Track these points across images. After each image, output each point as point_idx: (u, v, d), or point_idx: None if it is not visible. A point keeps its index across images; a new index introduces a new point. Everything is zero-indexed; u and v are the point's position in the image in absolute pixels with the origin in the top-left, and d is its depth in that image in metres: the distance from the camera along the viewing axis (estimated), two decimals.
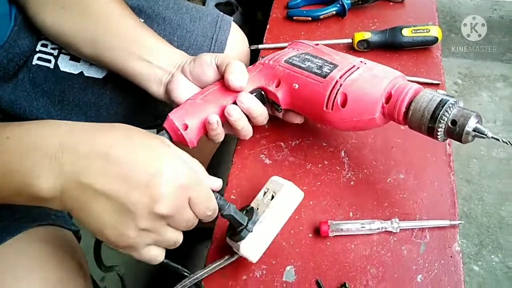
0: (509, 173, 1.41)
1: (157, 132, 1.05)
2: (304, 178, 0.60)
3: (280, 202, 0.50)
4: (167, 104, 0.63)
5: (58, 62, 0.70)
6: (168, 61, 0.61)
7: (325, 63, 0.54)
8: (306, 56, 0.57)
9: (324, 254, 0.53)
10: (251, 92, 0.58)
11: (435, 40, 0.71)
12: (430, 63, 0.72)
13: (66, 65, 0.70)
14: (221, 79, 0.57)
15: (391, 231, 0.54)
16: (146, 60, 0.61)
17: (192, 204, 0.42)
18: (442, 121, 0.45)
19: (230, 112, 0.55)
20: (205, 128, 0.56)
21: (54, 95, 0.71)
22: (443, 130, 0.46)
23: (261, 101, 0.57)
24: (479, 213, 1.32)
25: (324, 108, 0.52)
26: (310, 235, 0.55)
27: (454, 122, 0.45)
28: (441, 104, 0.46)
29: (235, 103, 0.56)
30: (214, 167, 1.11)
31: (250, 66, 0.61)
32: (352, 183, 0.59)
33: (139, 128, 0.43)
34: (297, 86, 0.55)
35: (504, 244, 1.26)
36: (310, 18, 0.80)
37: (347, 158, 0.62)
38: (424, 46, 0.73)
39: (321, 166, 0.61)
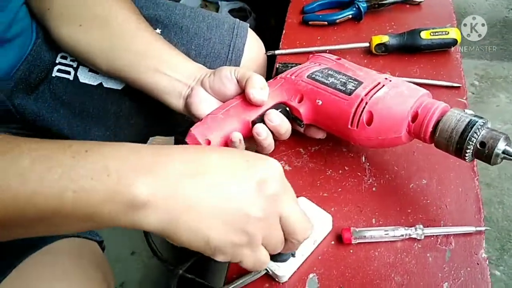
0: None
1: (175, 140, 1.06)
2: (325, 185, 0.60)
3: (318, 233, 0.53)
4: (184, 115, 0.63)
5: (78, 74, 0.71)
6: (186, 74, 0.61)
7: (349, 80, 0.54)
8: (329, 72, 0.56)
9: (347, 261, 0.53)
10: (274, 107, 0.57)
11: (454, 42, 0.71)
12: (449, 65, 0.71)
13: (86, 77, 0.71)
14: (242, 93, 0.57)
15: (415, 238, 0.53)
16: (164, 74, 0.61)
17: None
18: (471, 142, 0.46)
19: (259, 132, 0.55)
20: (227, 144, 0.55)
21: (74, 106, 0.72)
22: (471, 151, 0.46)
23: (286, 116, 0.57)
24: (500, 217, 1.29)
25: (349, 126, 0.52)
26: (333, 242, 0.54)
27: (483, 144, 0.45)
28: (470, 125, 0.46)
29: (259, 118, 0.56)
30: None
31: (271, 80, 0.61)
32: (374, 189, 0.59)
33: None
34: (320, 103, 0.55)
35: None
36: (326, 23, 0.80)
37: (368, 164, 0.61)
38: (443, 48, 0.72)
39: (341, 172, 0.61)
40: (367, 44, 0.73)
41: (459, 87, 0.68)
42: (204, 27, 0.75)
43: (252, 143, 0.57)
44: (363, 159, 0.62)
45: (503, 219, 1.29)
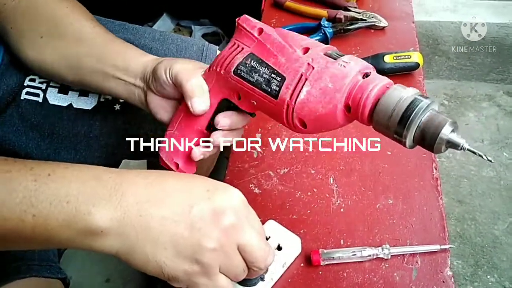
0: (500, 191, 1.42)
1: (148, 163, 1.05)
2: (294, 207, 0.60)
3: (288, 256, 0.54)
4: (156, 131, 0.62)
5: (47, 96, 0.70)
6: (137, 75, 0.58)
7: (272, 74, 0.47)
8: (252, 64, 0.48)
9: (316, 283, 0.53)
10: (219, 106, 0.52)
11: (417, 65, 0.73)
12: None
13: (55, 98, 0.71)
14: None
15: (382, 258, 0.54)
16: (119, 79, 0.59)
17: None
18: (411, 126, 0.39)
19: (218, 142, 0.51)
20: (193, 161, 0.55)
21: (43, 129, 0.71)
22: (412, 136, 0.40)
23: (234, 109, 0.52)
24: (473, 233, 1.32)
25: (287, 127, 0.48)
26: (302, 264, 0.55)
27: (425, 128, 0.39)
28: (413, 105, 0.39)
29: (211, 123, 0.52)
30: None
31: (207, 72, 0.52)
32: (342, 210, 0.59)
33: None
34: (255, 103, 0.49)
35: (499, 263, 1.25)
36: None
37: (336, 185, 0.62)
38: (406, 71, 0.74)
39: (310, 194, 0.62)
40: None
41: None
42: (173, 49, 0.76)
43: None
44: (331, 180, 0.63)
45: (475, 235, 1.32)
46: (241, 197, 0.42)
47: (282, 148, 0.67)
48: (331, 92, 0.42)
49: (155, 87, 0.55)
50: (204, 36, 1.45)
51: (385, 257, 0.54)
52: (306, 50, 0.45)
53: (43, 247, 0.40)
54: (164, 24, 1.47)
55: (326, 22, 0.83)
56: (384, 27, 0.85)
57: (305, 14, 0.90)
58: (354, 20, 0.86)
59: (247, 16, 0.51)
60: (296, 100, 0.44)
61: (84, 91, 0.72)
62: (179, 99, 0.54)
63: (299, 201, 0.61)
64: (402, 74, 0.75)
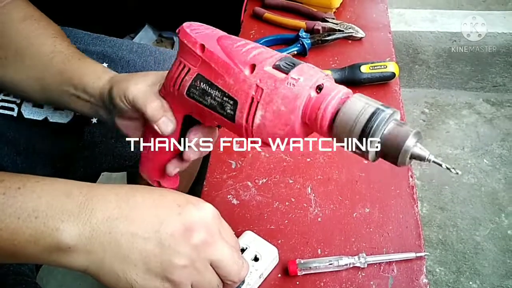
0: (481, 198, 1.43)
1: (128, 174, 1.04)
2: (272, 217, 0.60)
3: (265, 267, 0.54)
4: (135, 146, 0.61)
5: (22, 110, 0.69)
6: (97, 97, 0.56)
7: (224, 98, 0.44)
8: (202, 86, 0.45)
9: None
10: (184, 120, 0.50)
11: (393, 75, 0.74)
12: (389, 97, 0.74)
13: (30, 112, 0.70)
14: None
15: (359, 267, 0.54)
16: (83, 99, 0.57)
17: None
18: (374, 140, 0.37)
19: (190, 158, 0.51)
20: (172, 178, 0.55)
21: (18, 144, 0.70)
22: (374, 149, 0.38)
23: (199, 123, 0.50)
24: (455, 239, 1.33)
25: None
26: (279, 275, 0.55)
27: (388, 141, 0.37)
28: (374, 118, 0.37)
29: (178, 141, 0.51)
30: None
31: (163, 90, 0.49)
32: (319, 219, 0.60)
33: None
34: (216, 123, 0.48)
35: (481, 269, 1.26)
36: None
37: (313, 195, 0.62)
38: (382, 81, 0.75)
39: (288, 203, 0.62)
40: None
41: None
42: (151, 61, 0.76)
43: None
44: (309, 190, 0.63)
45: (457, 241, 1.33)
46: (213, 212, 0.42)
47: (261, 157, 0.67)
48: (285, 114, 0.40)
49: (116, 112, 0.53)
50: None
51: (362, 266, 0.54)
52: (252, 67, 0.42)
53: (9, 260, 0.39)
54: (146, 35, 1.47)
55: (304, 33, 0.84)
56: (362, 37, 0.87)
57: (283, 26, 0.91)
58: (332, 31, 0.87)
59: (187, 28, 0.47)
60: (252, 124, 0.42)
61: None
62: (140, 120, 0.53)
63: (277, 211, 0.61)
64: (378, 84, 0.76)
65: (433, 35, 1.76)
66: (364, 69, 0.74)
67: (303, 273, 0.54)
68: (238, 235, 0.56)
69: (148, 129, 0.52)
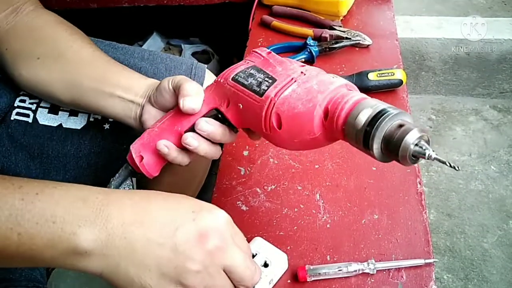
0: (488, 204, 1.43)
1: (137, 180, 1.05)
2: (281, 223, 0.61)
3: (274, 273, 0.54)
4: None
5: (37, 116, 0.71)
6: (139, 92, 0.60)
7: (265, 78, 0.48)
8: (251, 71, 0.50)
9: None
10: (208, 114, 0.53)
11: (400, 82, 0.75)
12: (397, 104, 0.74)
13: (45, 119, 0.71)
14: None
15: (368, 273, 0.54)
16: (119, 97, 0.60)
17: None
18: (375, 137, 0.38)
19: (187, 142, 0.51)
20: (159, 155, 0.54)
21: (33, 149, 0.72)
22: (379, 145, 0.38)
23: (220, 121, 0.53)
24: (462, 246, 1.33)
25: (264, 130, 0.47)
26: (289, 281, 0.55)
27: (389, 137, 0.37)
28: (381, 114, 0.38)
29: (191, 127, 0.52)
30: None
31: (208, 85, 0.56)
32: (328, 226, 0.60)
33: None
34: (241, 106, 0.50)
35: (489, 277, 1.26)
36: None
37: (322, 201, 0.63)
38: (390, 88, 0.76)
39: (297, 210, 0.62)
40: None
41: None
42: (162, 68, 0.77)
43: (191, 154, 0.55)
44: (318, 196, 0.63)
45: (465, 248, 1.33)
46: (227, 218, 0.42)
47: (270, 163, 0.68)
48: (314, 92, 0.43)
49: (154, 98, 0.57)
50: (194, 54, 1.46)
51: (371, 272, 0.54)
52: (303, 66, 0.48)
53: (26, 264, 0.40)
54: (154, 42, 1.49)
55: (312, 41, 0.85)
56: (369, 45, 0.87)
57: (291, 33, 0.92)
58: (339, 38, 0.88)
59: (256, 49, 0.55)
60: (279, 96, 0.45)
61: (74, 111, 0.72)
62: (172, 108, 0.56)
63: (286, 217, 0.61)
64: (386, 91, 0.76)
65: (439, 41, 1.76)
66: (372, 76, 0.75)
67: (313, 279, 0.54)
68: (247, 241, 0.56)
69: (167, 114, 0.55)
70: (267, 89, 0.46)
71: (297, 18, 0.96)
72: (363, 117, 0.39)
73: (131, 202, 0.41)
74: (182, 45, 1.47)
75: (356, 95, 0.42)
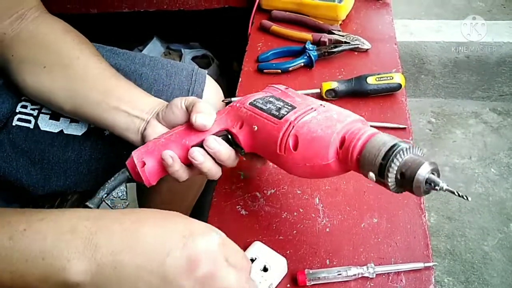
0: (489, 207, 1.43)
1: (137, 184, 1.05)
2: (280, 228, 0.61)
3: (274, 277, 0.54)
4: None
5: (38, 122, 0.71)
6: (145, 109, 0.61)
7: (285, 105, 0.52)
8: (270, 99, 0.55)
9: None
10: (217, 134, 0.56)
11: (399, 86, 0.75)
12: (396, 108, 0.75)
13: (46, 125, 0.72)
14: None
15: (367, 277, 0.54)
16: (123, 111, 0.61)
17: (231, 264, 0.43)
18: (391, 169, 0.41)
19: (194, 155, 0.53)
20: (162, 165, 0.55)
21: (34, 155, 0.72)
22: (393, 179, 0.42)
23: (228, 143, 0.56)
24: (463, 249, 1.33)
25: (277, 151, 0.50)
26: (288, 285, 0.55)
27: (403, 170, 0.41)
28: (393, 149, 0.41)
29: (199, 144, 0.55)
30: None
31: (221, 110, 0.59)
32: (327, 229, 0.60)
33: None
34: (256, 128, 0.53)
35: (489, 279, 1.26)
36: (279, 71, 0.84)
37: (321, 205, 0.63)
38: (389, 92, 0.76)
39: (296, 214, 0.62)
40: (318, 90, 0.77)
41: (405, 128, 0.71)
42: (163, 74, 0.78)
43: (194, 169, 0.56)
44: (317, 200, 0.64)
45: (466, 251, 1.33)
46: (219, 240, 0.42)
47: (269, 168, 0.68)
48: (333, 120, 0.47)
49: (163, 114, 0.59)
50: (194, 59, 1.47)
51: (370, 276, 0.54)
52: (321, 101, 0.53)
53: None
54: (154, 47, 1.50)
55: (310, 46, 0.85)
56: (368, 49, 0.88)
57: (290, 38, 0.93)
58: (338, 43, 0.88)
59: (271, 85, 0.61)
60: (299, 120, 0.49)
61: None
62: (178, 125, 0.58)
63: (285, 221, 0.62)
64: (385, 94, 0.76)
65: (438, 45, 1.77)
66: (371, 80, 0.75)
67: (312, 283, 0.54)
68: (247, 245, 0.57)
69: (175, 128, 0.58)
70: (287, 113, 0.51)
71: (296, 23, 0.97)
72: (379, 151, 0.42)
73: (120, 228, 0.41)
74: (182, 50, 1.48)
75: (371, 129, 0.46)
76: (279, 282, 0.55)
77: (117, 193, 0.55)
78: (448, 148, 1.65)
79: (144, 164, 0.54)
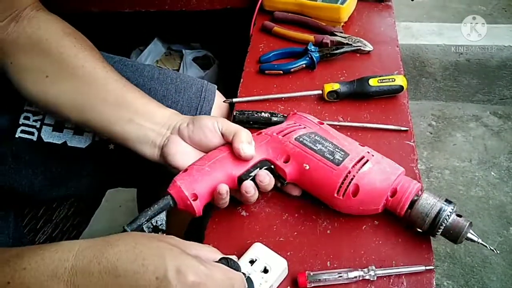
0: (489, 211, 1.43)
1: (138, 192, 1.04)
2: (281, 229, 0.61)
3: (274, 279, 0.54)
4: (150, 167, 0.63)
5: (41, 134, 0.70)
6: (160, 122, 0.61)
7: (336, 149, 0.57)
8: (316, 138, 0.59)
9: None
10: (259, 163, 0.59)
11: (401, 88, 0.75)
12: (397, 110, 0.75)
13: (50, 136, 0.70)
14: (226, 145, 0.59)
15: (368, 279, 0.54)
16: (136, 123, 0.60)
17: None
18: (440, 228, 0.54)
19: (248, 190, 0.57)
20: (211, 196, 0.57)
21: (36, 167, 0.71)
22: (440, 233, 0.55)
23: (271, 173, 0.59)
24: (463, 253, 1.32)
25: (335, 195, 0.56)
26: (289, 287, 0.55)
27: (450, 230, 0.54)
28: (440, 212, 0.54)
29: (245, 173, 0.58)
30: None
31: (255, 135, 0.62)
32: (328, 231, 0.60)
33: (144, 234, 0.47)
34: (307, 167, 0.57)
35: (489, 283, 1.26)
36: (281, 72, 0.84)
37: (322, 207, 0.63)
38: (390, 94, 0.76)
39: (297, 215, 0.62)
40: (320, 92, 0.77)
41: (406, 130, 0.71)
42: (172, 89, 0.76)
43: (236, 195, 0.59)
44: (318, 202, 0.63)
45: (465, 255, 1.32)
46: (192, 278, 0.42)
47: None
48: (388, 173, 0.56)
49: (191, 133, 0.59)
50: (195, 59, 1.47)
51: (371, 279, 0.54)
52: (363, 145, 0.59)
53: None
54: (156, 48, 1.49)
55: (312, 47, 0.85)
56: (370, 51, 0.88)
57: (292, 39, 0.93)
58: (340, 44, 0.88)
59: (301, 113, 0.65)
60: (358, 170, 0.55)
61: (79, 129, 0.71)
62: (212, 148, 0.60)
63: (286, 223, 0.61)
64: (386, 97, 0.76)
65: (439, 48, 1.77)
66: (372, 82, 0.75)
67: (313, 285, 0.54)
68: (247, 247, 0.56)
69: (216, 152, 0.59)
70: (342, 160, 0.56)
71: (298, 24, 0.97)
72: (429, 212, 0.54)
73: (98, 268, 0.41)
74: (183, 51, 1.48)
75: (416, 184, 0.56)
76: (280, 284, 0.55)
77: (156, 221, 0.54)
78: (448, 151, 1.65)
79: (197, 197, 0.55)
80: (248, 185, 0.57)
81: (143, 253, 0.42)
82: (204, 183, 0.56)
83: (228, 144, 0.59)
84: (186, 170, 0.57)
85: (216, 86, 0.81)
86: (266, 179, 0.58)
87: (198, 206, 0.55)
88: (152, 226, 0.53)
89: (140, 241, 0.44)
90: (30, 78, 0.62)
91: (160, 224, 0.54)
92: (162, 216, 0.54)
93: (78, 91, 0.61)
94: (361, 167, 0.55)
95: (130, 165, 0.75)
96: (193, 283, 0.42)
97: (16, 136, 0.69)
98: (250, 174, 0.58)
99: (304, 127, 0.61)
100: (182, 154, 0.59)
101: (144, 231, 0.53)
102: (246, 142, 0.57)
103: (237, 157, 0.57)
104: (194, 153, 0.60)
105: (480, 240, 0.55)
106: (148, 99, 0.63)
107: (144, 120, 0.60)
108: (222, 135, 0.59)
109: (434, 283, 0.54)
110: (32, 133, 0.70)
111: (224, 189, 0.55)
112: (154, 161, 0.62)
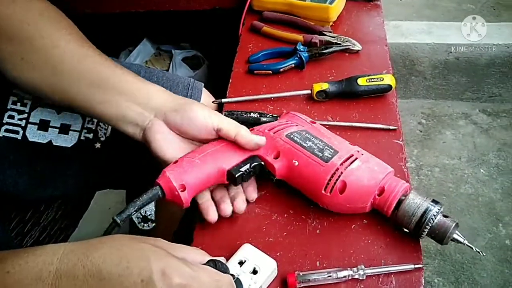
0: (478, 208, 1.44)
1: (127, 194, 1.04)
2: (271, 229, 0.61)
3: (264, 280, 0.53)
4: (137, 167, 0.62)
5: (26, 133, 0.69)
6: (142, 102, 0.59)
7: (326, 147, 0.58)
8: (307, 135, 0.60)
9: None
10: (248, 158, 0.60)
11: (389, 87, 0.75)
12: (386, 109, 0.75)
13: (34, 135, 0.70)
14: (219, 139, 0.60)
15: (358, 278, 0.54)
16: (114, 103, 0.59)
17: None
18: (426, 228, 0.54)
19: (241, 211, 0.60)
20: (200, 188, 0.57)
21: (21, 166, 0.70)
22: (425, 233, 0.55)
23: (260, 171, 0.61)
24: (453, 250, 1.33)
25: (323, 191, 0.56)
26: (278, 287, 0.55)
27: (435, 230, 0.54)
28: (426, 212, 0.54)
29: (235, 167, 0.58)
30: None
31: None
32: (318, 231, 0.60)
33: (129, 236, 0.45)
34: (297, 163, 0.58)
35: (479, 280, 1.27)
36: (270, 72, 0.84)
37: (312, 206, 0.63)
38: (379, 93, 0.76)
39: (287, 216, 0.62)
40: (309, 91, 0.77)
41: (395, 129, 0.71)
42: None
43: (222, 190, 0.60)
44: (307, 202, 0.63)
45: (455, 252, 1.33)
46: (178, 280, 0.42)
47: None
48: (376, 172, 0.57)
49: (178, 123, 0.58)
50: (184, 60, 1.46)
51: (361, 278, 0.54)
52: (353, 144, 0.60)
53: None
54: (145, 48, 1.49)
55: (301, 47, 0.85)
56: (358, 50, 0.88)
57: (281, 39, 0.93)
58: (329, 44, 0.88)
59: (294, 113, 0.66)
60: (347, 167, 0.56)
61: (64, 129, 0.71)
62: (197, 139, 0.60)
63: (275, 223, 0.61)
64: (375, 96, 0.76)
65: (429, 46, 1.78)
66: (361, 81, 0.75)
67: (302, 285, 0.54)
68: (236, 247, 0.56)
69: (207, 146, 0.60)
70: (331, 157, 0.57)
71: (287, 24, 0.97)
72: (415, 212, 0.54)
73: (83, 271, 0.41)
74: (173, 51, 1.47)
75: (404, 184, 0.57)
76: (269, 285, 0.54)
77: (145, 211, 0.54)
78: (438, 149, 1.66)
79: (185, 188, 0.55)
80: (241, 209, 0.60)
81: (127, 256, 0.42)
82: (193, 175, 0.56)
83: (221, 138, 0.59)
84: (176, 161, 0.57)
85: (203, 84, 0.80)
86: (254, 195, 0.62)
87: (186, 197, 0.55)
88: (141, 216, 0.53)
89: (124, 244, 0.43)
90: (8, 62, 0.60)
91: (149, 215, 0.54)
92: (151, 206, 0.54)
93: (54, 73, 0.59)
94: (349, 165, 0.56)
95: (118, 165, 0.74)
96: (179, 285, 0.41)
97: (0, 135, 0.68)
98: (240, 170, 0.58)
99: (296, 125, 0.62)
100: (165, 141, 0.58)
101: (134, 221, 0.52)
102: (254, 136, 0.59)
103: (228, 152, 0.59)
104: (178, 141, 0.60)
105: (466, 242, 0.55)
106: (128, 74, 0.61)
107: (124, 100, 0.59)
108: (218, 130, 0.59)
109: (423, 281, 0.54)
110: (16, 132, 0.69)
111: (228, 211, 0.59)
112: (138, 140, 0.61)
